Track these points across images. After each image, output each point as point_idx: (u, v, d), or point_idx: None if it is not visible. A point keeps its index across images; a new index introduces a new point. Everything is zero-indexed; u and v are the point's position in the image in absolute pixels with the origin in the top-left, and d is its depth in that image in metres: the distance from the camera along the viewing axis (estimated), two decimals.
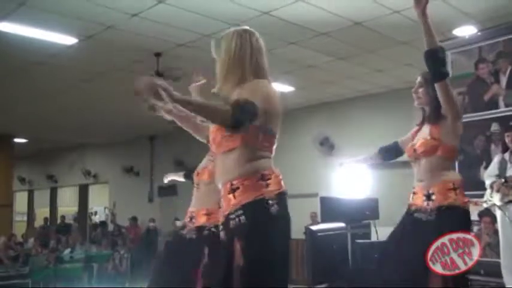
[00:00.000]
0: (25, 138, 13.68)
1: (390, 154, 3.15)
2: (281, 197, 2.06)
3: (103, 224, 13.57)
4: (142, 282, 9.60)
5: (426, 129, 2.81)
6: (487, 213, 5.00)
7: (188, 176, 4.02)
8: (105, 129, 12.37)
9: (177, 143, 11.54)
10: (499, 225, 4.63)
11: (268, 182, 2.05)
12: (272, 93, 2.12)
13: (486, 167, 4.88)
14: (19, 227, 15.25)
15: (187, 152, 9.81)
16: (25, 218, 17.76)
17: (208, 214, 3.43)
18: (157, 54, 6.68)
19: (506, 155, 4.63)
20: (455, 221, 2.63)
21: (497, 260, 4.71)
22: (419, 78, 2.86)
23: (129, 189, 13.87)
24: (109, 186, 15.00)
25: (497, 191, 4.46)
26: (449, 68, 2.70)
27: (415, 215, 2.74)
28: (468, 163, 5.21)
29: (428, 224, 2.66)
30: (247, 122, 1.96)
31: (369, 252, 5.64)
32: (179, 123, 2.72)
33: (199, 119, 2.06)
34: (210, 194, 3.40)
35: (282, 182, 2.12)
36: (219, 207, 3.51)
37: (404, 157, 3.19)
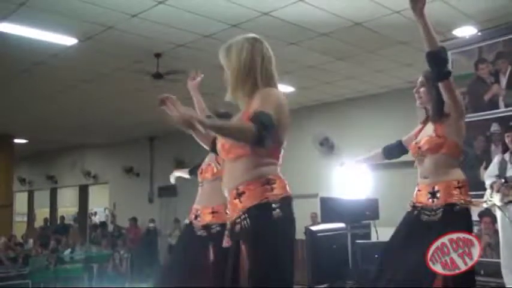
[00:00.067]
0: (25, 138, 13.68)
1: (394, 153, 3.15)
2: (285, 201, 2.07)
3: (103, 224, 13.58)
4: (143, 282, 9.62)
5: (430, 128, 2.80)
6: (487, 214, 5.01)
7: (193, 172, 4.03)
8: (105, 129, 12.37)
9: (177, 144, 11.55)
10: (499, 225, 4.63)
11: (273, 186, 2.07)
12: (283, 102, 2.14)
13: (486, 168, 4.88)
14: (19, 228, 15.24)
15: (187, 152, 9.82)
16: (25, 219, 17.75)
17: (213, 212, 3.46)
18: (157, 55, 6.68)
19: (506, 156, 4.63)
20: (459, 221, 2.63)
21: (497, 260, 4.71)
22: (420, 78, 2.87)
23: (129, 190, 13.88)
24: (109, 186, 15.00)
25: (498, 191, 4.46)
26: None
27: (421, 216, 2.73)
28: (468, 163, 5.21)
29: (433, 224, 2.65)
30: (270, 138, 1.98)
31: (369, 252, 5.63)
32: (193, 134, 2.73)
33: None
34: (214, 192, 3.42)
35: (288, 187, 2.14)
36: (225, 206, 3.54)
37: (405, 157, 3.20)
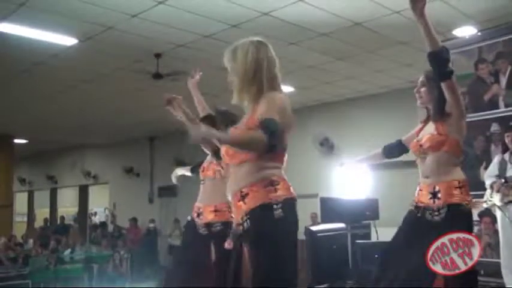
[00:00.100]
0: (25, 138, 13.68)
1: (394, 152, 3.15)
2: (288, 202, 2.09)
3: (103, 224, 13.58)
4: (143, 282, 9.63)
5: (431, 127, 2.80)
6: (487, 214, 5.00)
7: (194, 170, 4.03)
8: (105, 129, 12.38)
9: (177, 144, 11.54)
10: (499, 225, 4.63)
11: (277, 187, 2.09)
12: (287, 106, 2.16)
13: (486, 168, 4.88)
14: (19, 228, 15.24)
15: (187, 152, 9.81)
16: (25, 219, 17.75)
17: (216, 211, 3.47)
18: (157, 55, 6.68)
19: (506, 156, 4.63)
20: (460, 221, 2.63)
21: (497, 260, 4.71)
22: (421, 78, 2.87)
23: (129, 190, 13.88)
24: (109, 187, 15.00)
25: (497, 191, 4.46)
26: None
27: (422, 216, 2.73)
28: (468, 163, 5.20)
29: (434, 225, 2.66)
30: (279, 144, 2.04)
31: (369, 252, 5.63)
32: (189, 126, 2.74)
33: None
34: (216, 190, 3.44)
35: (292, 189, 2.15)
36: (227, 204, 3.56)
37: (405, 157, 3.20)
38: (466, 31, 5.90)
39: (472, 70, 5.49)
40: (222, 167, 3.45)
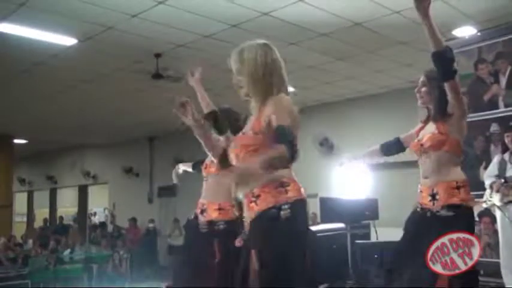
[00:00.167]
0: (25, 139, 13.68)
1: (392, 150, 3.15)
2: (297, 204, 2.11)
3: (102, 224, 13.57)
4: (142, 282, 9.62)
5: (431, 127, 2.80)
6: (487, 214, 5.01)
7: (196, 167, 4.03)
8: (105, 130, 12.37)
9: (176, 144, 11.55)
10: (498, 225, 4.64)
11: (288, 188, 2.12)
12: (295, 109, 2.18)
13: (486, 168, 4.88)
14: (19, 228, 15.23)
15: (187, 152, 9.81)
16: (25, 219, 17.75)
17: (220, 209, 3.47)
18: (157, 55, 6.67)
19: (506, 156, 4.63)
20: (460, 221, 2.63)
21: (496, 260, 4.72)
22: (422, 78, 2.87)
23: (129, 190, 13.88)
24: (109, 187, 15.00)
25: (497, 191, 4.47)
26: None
27: (424, 218, 2.74)
28: (468, 163, 5.20)
29: (435, 226, 2.66)
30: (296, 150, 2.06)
31: (368, 252, 5.64)
32: (198, 134, 2.72)
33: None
34: (220, 187, 3.44)
35: (302, 190, 2.18)
36: (231, 203, 3.56)
37: (404, 157, 3.20)
38: (465, 31, 5.91)
39: (472, 70, 5.49)
40: None
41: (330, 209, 6.02)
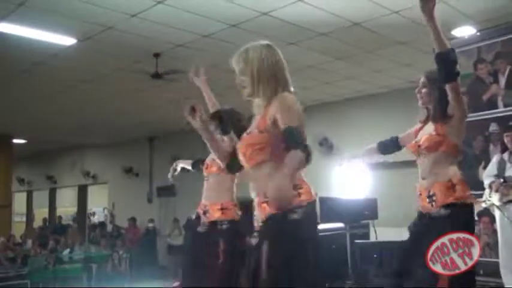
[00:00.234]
0: (24, 138, 13.67)
1: (389, 148, 3.17)
2: (309, 207, 2.13)
3: (102, 224, 13.57)
4: (142, 282, 9.62)
5: (430, 127, 2.81)
6: (486, 213, 5.01)
7: (196, 165, 4.03)
8: (105, 129, 12.37)
9: (176, 144, 11.55)
10: (497, 225, 4.64)
11: (300, 191, 2.12)
12: (300, 108, 2.20)
13: (485, 167, 4.89)
14: (18, 228, 15.22)
15: (187, 152, 9.81)
16: (24, 219, 17.74)
17: (222, 209, 3.48)
18: (157, 55, 6.67)
19: (505, 155, 4.64)
20: (458, 220, 2.64)
21: (496, 260, 4.72)
22: (422, 79, 2.87)
23: (128, 190, 13.87)
24: (108, 186, 14.99)
25: (496, 191, 4.47)
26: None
27: (425, 219, 2.76)
28: (467, 163, 5.21)
29: (433, 226, 2.67)
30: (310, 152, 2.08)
31: (368, 252, 5.65)
32: (206, 138, 2.73)
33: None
34: (221, 187, 3.45)
35: (313, 191, 2.19)
36: (233, 202, 3.57)
37: (404, 157, 3.20)
38: (465, 31, 5.91)
39: (471, 70, 5.50)
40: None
41: (329, 209, 6.02)
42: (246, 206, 3.57)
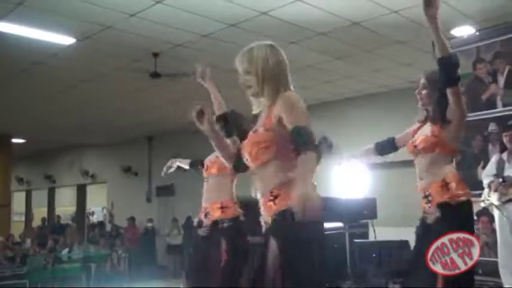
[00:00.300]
0: (23, 138, 13.66)
1: (385, 149, 3.18)
2: (318, 202, 2.09)
3: (101, 224, 13.56)
4: (141, 282, 9.62)
5: (428, 128, 2.83)
6: (485, 213, 5.01)
7: (194, 165, 4.03)
8: (104, 129, 12.36)
9: (175, 143, 11.54)
10: (496, 224, 4.64)
11: None
12: (304, 106, 2.19)
13: (484, 167, 4.89)
14: (17, 227, 15.22)
15: (186, 152, 9.82)
16: (23, 218, 17.74)
17: (222, 207, 3.49)
18: (155, 55, 6.67)
19: (504, 155, 4.64)
20: (453, 218, 2.65)
21: (495, 259, 4.72)
22: (422, 80, 2.88)
23: (127, 189, 13.87)
24: (107, 186, 14.99)
25: (495, 190, 4.47)
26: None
27: (425, 220, 2.79)
28: (466, 163, 5.22)
29: (431, 227, 2.69)
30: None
31: (367, 251, 5.65)
32: (214, 142, 2.74)
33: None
34: (220, 187, 3.47)
35: (316, 190, 2.17)
36: (233, 201, 3.57)
37: (402, 157, 3.21)
38: (464, 31, 5.91)
39: (470, 70, 5.50)
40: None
41: (328, 208, 6.00)
42: (246, 206, 3.57)
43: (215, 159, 3.62)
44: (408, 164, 3.07)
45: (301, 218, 1.91)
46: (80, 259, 9.59)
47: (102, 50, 6.48)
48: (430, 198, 2.72)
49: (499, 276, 4.61)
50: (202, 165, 3.91)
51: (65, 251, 10.12)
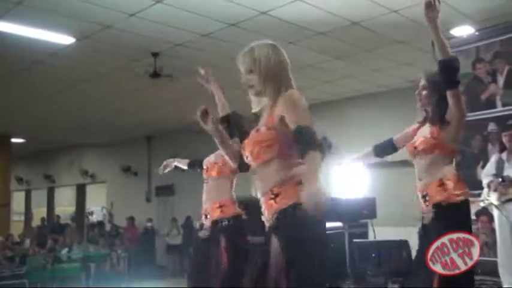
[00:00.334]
0: (23, 138, 13.66)
1: (385, 151, 3.19)
2: (318, 200, 2.09)
3: (100, 223, 13.56)
4: (140, 281, 9.62)
5: (427, 129, 2.84)
6: (484, 212, 5.01)
7: (192, 165, 4.03)
8: (103, 129, 12.36)
9: (174, 143, 11.54)
10: (496, 224, 4.65)
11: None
12: (306, 104, 2.19)
13: (483, 167, 4.89)
14: (16, 227, 15.21)
15: (185, 151, 9.82)
16: (22, 218, 17.73)
17: (221, 207, 3.50)
18: (155, 54, 6.66)
19: (504, 155, 4.64)
20: (448, 217, 2.66)
21: (494, 259, 4.72)
22: (422, 81, 2.89)
23: (127, 189, 13.86)
24: (107, 186, 14.98)
25: (495, 190, 4.47)
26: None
27: (423, 220, 2.81)
28: (465, 163, 5.22)
29: (428, 227, 2.70)
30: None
31: (366, 251, 5.64)
32: (218, 142, 2.74)
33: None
34: (219, 188, 3.48)
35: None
36: (231, 200, 3.58)
37: (401, 156, 3.21)
38: (463, 30, 5.91)
39: (470, 70, 5.50)
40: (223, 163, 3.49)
41: (327, 208, 6.01)
42: (246, 205, 3.58)
43: (216, 163, 3.64)
44: (408, 163, 3.07)
45: (311, 213, 1.91)
46: (79, 259, 9.57)
47: (102, 49, 6.48)
48: (427, 198, 2.74)
49: (498, 276, 4.62)
50: (201, 165, 3.92)
51: (65, 250, 10.10)
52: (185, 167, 4.18)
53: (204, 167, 3.78)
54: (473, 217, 4.95)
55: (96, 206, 15.44)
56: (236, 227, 3.51)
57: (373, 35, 6.12)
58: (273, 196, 2.13)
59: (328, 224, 5.96)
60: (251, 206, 3.09)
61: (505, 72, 5.29)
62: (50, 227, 14.26)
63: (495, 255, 4.72)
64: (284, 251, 2.04)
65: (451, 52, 2.63)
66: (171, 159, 4.28)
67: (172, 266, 11.42)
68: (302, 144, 2.02)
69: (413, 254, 3.05)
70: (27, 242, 11.71)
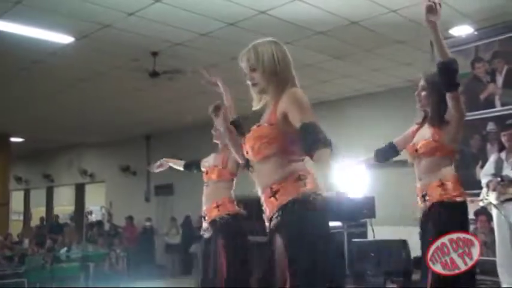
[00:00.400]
0: (22, 137, 13.64)
1: (387, 155, 3.20)
2: (318, 195, 2.12)
3: (99, 223, 13.55)
4: (139, 281, 9.62)
5: (427, 131, 2.85)
6: (483, 212, 5.02)
7: (189, 166, 4.03)
8: (102, 128, 12.35)
9: (173, 143, 11.54)
10: (495, 223, 4.65)
11: (306, 181, 2.12)
12: (308, 101, 2.20)
13: (482, 166, 4.90)
14: (15, 227, 15.19)
15: (184, 151, 9.82)
16: (21, 218, 17.71)
17: (218, 206, 3.52)
18: (154, 53, 6.66)
19: (503, 154, 4.64)
20: (446, 217, 2.68)
21: (493, 258, 4.72)
22: (422, 82, 2.90)
23: (126, 189, 13.85)
24: (105, 185, 14.97)
25: (494, 189, 4.47)
26: None
27: (422, 220, 2.84)
28: (464, 162, 5.22)
29: (426, 226, 2.72)
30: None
31: (365, 251, 5.65)
32: (228, 138, 2.74)
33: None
34: (219, 191, 3.50)
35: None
36: (228, 198, 3.58)
37: (401, 156, 3.22)
38: (462, 30, 5.91)
39: (469, 69, 5.50)
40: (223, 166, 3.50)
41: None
42: (245, 204, 3.59)
43: (215, 166, 3.65)
44: (407, 163, 3.08)
45: (312, 208, 1.93)
46: (78, 258, 9.57)
47: (101, 49, 6.47)
48: (427, 197, 2.75)
49: (497, 275, 4.62)
50: (198, 165, 3.92)
51: (64, 250, 10.09)
52: (181, 168, 4.17)
53: (204, 169, 3.78)
54: (472, 217, 4.98)
55: (95, 206, 15.44)
56: (234, 225, 3.51)
57: (372, 35, 6.12)
58: (272, 193, 2.13)
59: None
60: (250, 205, 3.10)
61: (504, 72, 5.30)
62: (49, 227, 14.25)
63: (494, 255, 4.72)
64: (287, 247, 2.03)
65: (450, 54, 2.63)
66: (165, 159, 4.26)
67: (171, 266, 11.41)
68: (309, 141, 2.01)
69: (413, 254, 3.06)
70: (26, 241, 11.70)
